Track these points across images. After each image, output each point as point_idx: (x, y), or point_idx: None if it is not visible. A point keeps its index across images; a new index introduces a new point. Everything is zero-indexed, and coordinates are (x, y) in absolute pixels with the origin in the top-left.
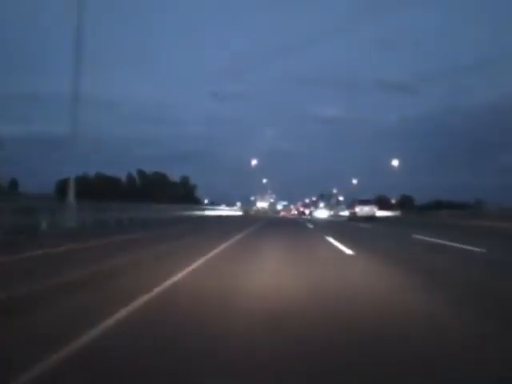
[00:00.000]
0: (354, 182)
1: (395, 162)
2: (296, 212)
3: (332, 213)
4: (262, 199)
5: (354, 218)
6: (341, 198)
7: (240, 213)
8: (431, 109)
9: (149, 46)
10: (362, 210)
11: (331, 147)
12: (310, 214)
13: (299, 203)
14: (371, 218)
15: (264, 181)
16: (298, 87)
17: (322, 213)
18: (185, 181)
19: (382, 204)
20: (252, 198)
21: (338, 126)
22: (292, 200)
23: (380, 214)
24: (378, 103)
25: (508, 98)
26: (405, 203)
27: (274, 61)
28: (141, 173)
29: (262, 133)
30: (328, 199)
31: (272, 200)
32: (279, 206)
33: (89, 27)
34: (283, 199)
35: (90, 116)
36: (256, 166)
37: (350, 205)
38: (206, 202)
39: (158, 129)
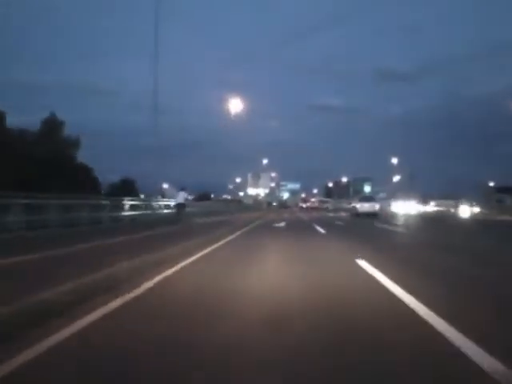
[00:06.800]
0: None
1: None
2: (309, 205)
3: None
4: (256, 184)
5: (354, 214)
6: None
7: None
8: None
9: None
10: (362, 207)
11: (340, 137)
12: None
13: (315, 191)
14: (373, 215)
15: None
16: (298, 77)
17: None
18: (50, 122)
19: None
20: (238, 180)
21: (340, 115)
22: (308, 184)
23: None
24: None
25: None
26: None
27: (275, 50)
28: None
29: (263, 123)
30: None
31: (273, 184)
32: (285, 195)
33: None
34: (294, 181)
35: (93, 105)
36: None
37: (352, 202)
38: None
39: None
